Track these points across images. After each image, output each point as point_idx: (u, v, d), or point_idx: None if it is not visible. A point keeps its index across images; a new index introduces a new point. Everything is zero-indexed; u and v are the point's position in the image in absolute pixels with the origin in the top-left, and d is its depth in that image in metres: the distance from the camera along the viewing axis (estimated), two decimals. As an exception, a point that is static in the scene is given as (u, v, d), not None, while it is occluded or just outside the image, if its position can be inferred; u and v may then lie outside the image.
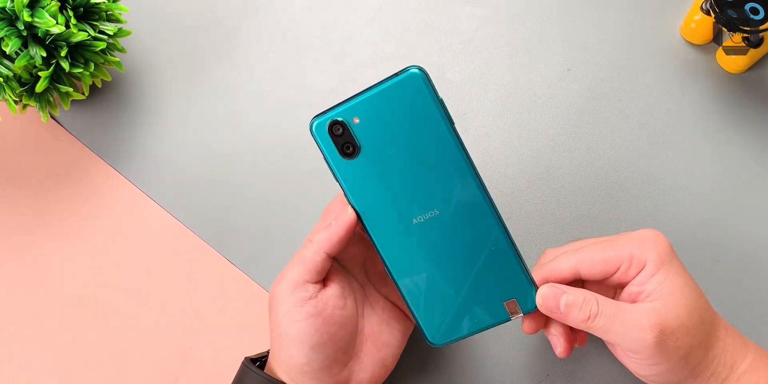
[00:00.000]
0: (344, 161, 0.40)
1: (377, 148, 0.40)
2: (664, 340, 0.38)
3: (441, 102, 0.39)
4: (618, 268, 0.41)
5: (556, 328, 0.42)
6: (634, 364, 0.40)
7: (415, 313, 0.42)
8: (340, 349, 0.42)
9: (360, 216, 0.41)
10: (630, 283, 0.41)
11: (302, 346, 0.41)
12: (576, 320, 0.39)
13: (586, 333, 0.43)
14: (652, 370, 0.40)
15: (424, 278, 0.42)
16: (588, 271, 0.41)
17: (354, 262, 0.45)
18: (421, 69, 0.39)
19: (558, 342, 0.42)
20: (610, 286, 0.44)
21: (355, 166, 0.40)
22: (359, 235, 0.45)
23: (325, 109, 0.40)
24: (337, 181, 0.41)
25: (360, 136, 0.40)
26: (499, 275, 0.41)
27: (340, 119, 0.40)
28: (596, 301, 0.39)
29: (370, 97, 0.39)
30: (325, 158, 0.41)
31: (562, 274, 0.42)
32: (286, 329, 0.41)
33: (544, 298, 0.40)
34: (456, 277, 0.41)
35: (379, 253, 0.42)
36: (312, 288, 0.41)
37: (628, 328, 0.38)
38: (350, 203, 0.41)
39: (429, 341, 0.42)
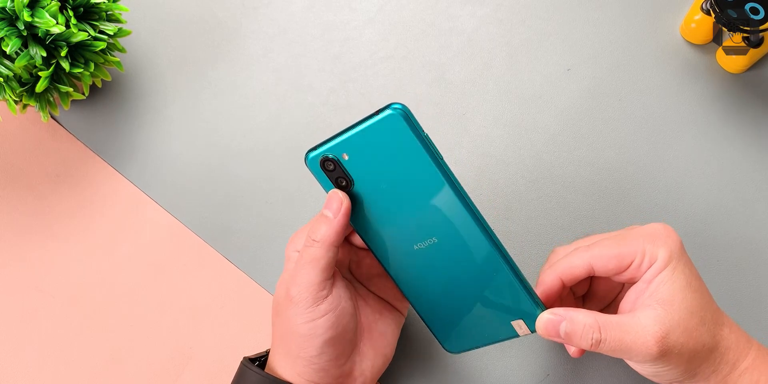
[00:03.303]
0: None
1: (369, 182, 0.40)
2: (668, 350, 0.38)
3: (426, 138, 0.39)
4: (631, 264, 0.41)
5: None
6: (637, 365, 0.41)
7: (430, 326, 0.44)
8: (348, 340, 0.43)
9: (365, 239, 0.43)
10: (639, 280, 0.41)
11: (316, 341, 0.41)
12: (579, 346, 0.39)
13: None
14: (655, 370, 0.40)
15: (434, 298, 0.43)
16: (602, 267, 0.41)
17: (339, 265, 0.46)
18: (401, 107, 0.38)
19: None
20: (619, 282, 0.44)
21: (351, 198, 0.41)
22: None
23: (319, 142, 0.41)
24: None
25: (351, 170, 0.40)
26: (505, 298, 0.41)
27: (330, 156, 0.40)
28: (597, 327, 0.39)
29: (354, 135, 0.39)
30: (323, 187, 0.42)
31: (577, 271, 0.42)
32: (301, 327, 0.41)
33: (544, 327, 0.40)
34: (463, 298, 0.42)
35: (387, 272, 0.43)
36: (328, 285, 0.42)
37: (635, 347, 0.38)
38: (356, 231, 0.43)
39: (445, 349, 0.45)
